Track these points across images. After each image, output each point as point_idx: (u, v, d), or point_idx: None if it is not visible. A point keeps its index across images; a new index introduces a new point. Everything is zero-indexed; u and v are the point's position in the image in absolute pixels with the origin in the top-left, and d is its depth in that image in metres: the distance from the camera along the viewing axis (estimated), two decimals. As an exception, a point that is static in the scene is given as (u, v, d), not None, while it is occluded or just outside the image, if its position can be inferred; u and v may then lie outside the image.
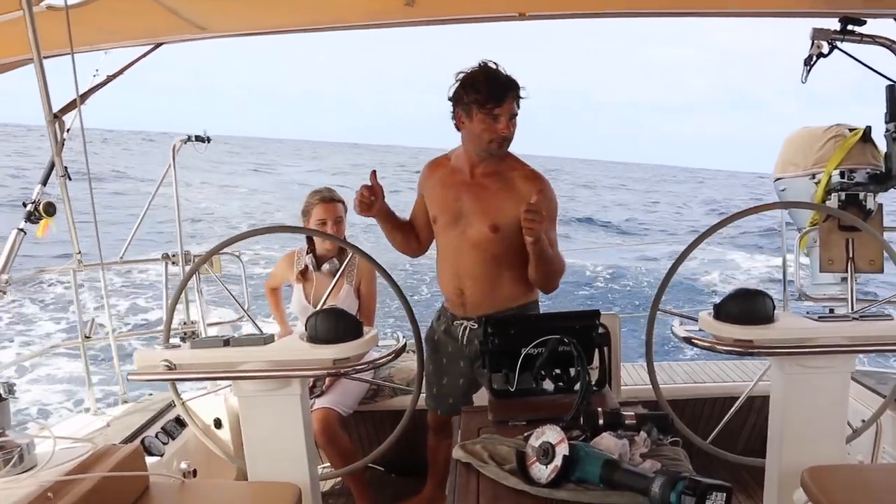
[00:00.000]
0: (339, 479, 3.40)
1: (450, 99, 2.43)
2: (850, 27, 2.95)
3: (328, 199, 3.21)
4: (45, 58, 2.42)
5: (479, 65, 2.39)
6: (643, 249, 17.40)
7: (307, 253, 3.29)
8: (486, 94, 2.32)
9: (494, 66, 2.38)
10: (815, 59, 3.11)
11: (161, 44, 3.08)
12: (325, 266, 3.24)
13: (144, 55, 3.08)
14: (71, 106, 2.72)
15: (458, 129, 2.49)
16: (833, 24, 2.98)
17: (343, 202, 3.26)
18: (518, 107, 2.41)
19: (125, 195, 20.35)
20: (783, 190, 3.47)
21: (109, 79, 3.02)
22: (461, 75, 2.40)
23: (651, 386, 2.53)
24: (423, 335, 2.53)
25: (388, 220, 2.71)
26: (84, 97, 2.79)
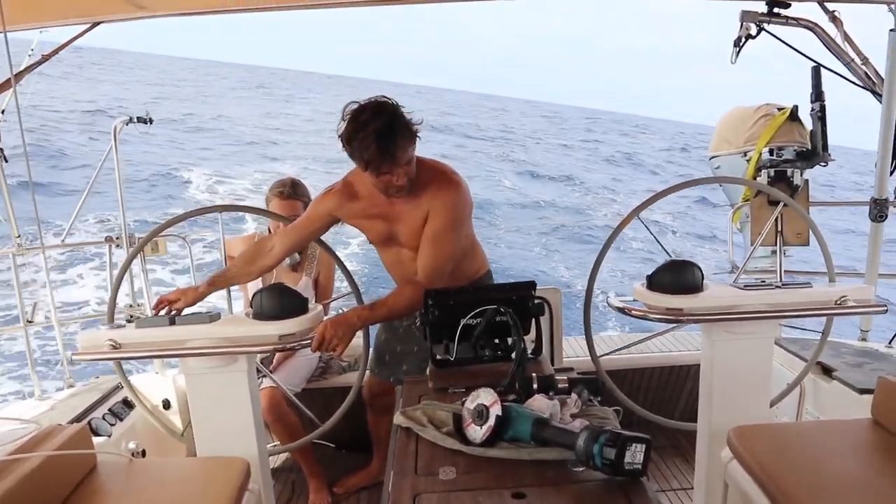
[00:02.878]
0: (289, 455, 3.44)
1: (339, 137, 2.23)
2: (776, 10, 3.08)
3: (287, 194, 3.14)
4: None
5: (364, 115, 2.17)
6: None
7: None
8: (376, 156, 2.16)
9: (380, 112, 2.18)
10: (743, 40, 3.23)
11: (99, 23, 3.03)
12: (286, 260, 3.20)
13: (81, 34, 3.04)
14: (6, 86, 2.68)
15: None
16: (760, 6, 3.11)
17: (304, 200, 3.18)
18: (415, 143, 2.25)
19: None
20: (717, 168, 3.60)
21: (45, 58, 2.97)
22: (349, 111, 2.21)
23: (589, 356, 2.64)
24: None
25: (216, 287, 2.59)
26: (19, 76, 2.74)
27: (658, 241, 2.77)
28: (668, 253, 2.51)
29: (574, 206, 20.76)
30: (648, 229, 2.74)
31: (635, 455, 1.37)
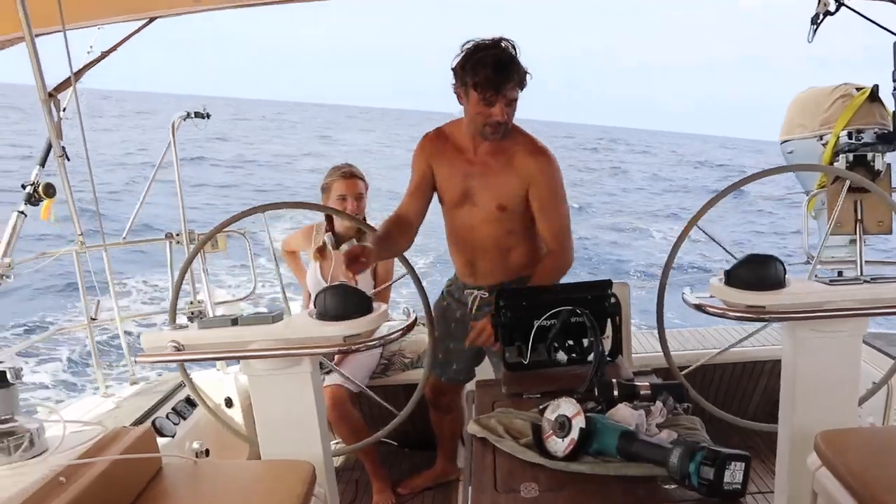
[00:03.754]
0: (352, 454, 3.41)
1: (452, 69, 2.33)
2: (856, -17, 2.90)
3: (349, 174, 3.14)
4: (38, 35, 2.37)
5: (485, 43, 2.27)
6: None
7: (326, 230, 3.24)
8: (485, 79, 2.23)
9: (502, 46, 2.27)
10: (821, 17, 3.05)
11: (155, 17, 3.01)
12: (344, 246, 3.16)
13: (139, 30, 3.02)
14: (66, 84, 2.67)
15: (459, 101, 2.40)
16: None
17: (364, 179, 3.20)
18: (522, 89, 2.32)
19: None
20: (790, 152, 3.43)
21: (104, 55, 2.96)
22: (467, 46, 2.29)
23: (663, 354, 2.52)
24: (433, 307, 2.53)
25: (383, 247, 2.57)
26: (78, 75, 2.73)
27: (721, 246, 2.62)
28: (731, 255, 2.36)
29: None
30: (709, 235, 2.62)
31: (735, 474, 1.27)
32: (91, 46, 3.02)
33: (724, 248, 2.52)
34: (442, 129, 2.58)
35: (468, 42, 2.29)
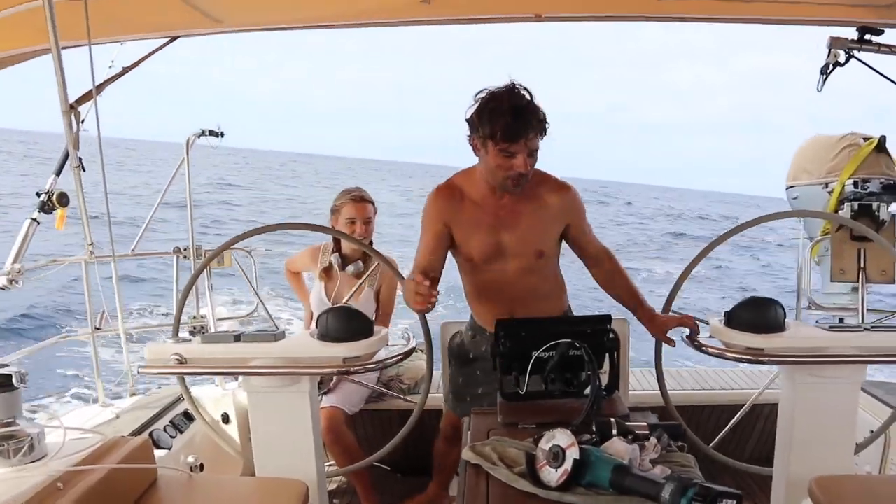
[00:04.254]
0: (344, 477, 3.40)
1: (467, 120, 2.20)
2: (867, 37, 2.94)
3: (359, 198, 3.16)
4: (63, 48, 2.43)
5: (500, 91, 2.14)
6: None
7: (333, 251, 3.27)
8: (504, 129, 2.09)
9: (517, 92, 2.14)
10: (831, 67, 3.10)
11: (177, 37, 3.08)
12: (350, 268, 3.20)
13: (160, 48, 3.08)
14: (87, 97, 2.73)
15: (475, 153, 2.26)
16: (850, 32, 2.97)
17: (373, 203, 3.23)
18: (542, 137, 2.18)
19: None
20: (795, 198, 3.45)
21: (125, 70, 3.02)
22: (481, 96, 2.16)
23: (660, 392, 2.53)
24: (432, 335, 2.53)
25: None
26: (100, 88, 2.79)
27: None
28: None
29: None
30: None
31: (726, 512, 1.28)
32: (112, 61, 3.08)
33: None
34: (453, 183, 2.39)
35: (481, 91, 2.17)
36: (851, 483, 1.94)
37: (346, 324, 2.06)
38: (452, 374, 2.71)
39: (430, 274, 2.31)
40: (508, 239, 2.34)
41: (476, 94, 2.18)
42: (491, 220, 2.32)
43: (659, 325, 2.35)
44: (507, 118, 2.08)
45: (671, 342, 2.33)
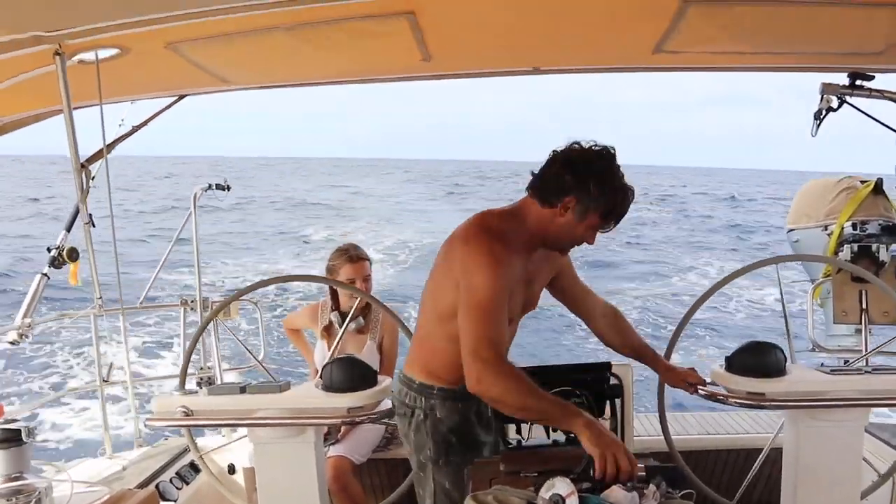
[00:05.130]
0: None
1: (575, 175, 1.98)
2: (858, 82, 3.00)
3: (356, 258, 3.18)
4: (74, 108, 2.51)
5: (621, 173, 2.02)
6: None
7: (332, 310, 3.29)
8: (615, 217, 2.03)
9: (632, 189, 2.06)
10: (824, 112, 3.15)
11: (185, 95, 3.17)
12: (352, 324, 3.18)
13: (169, 106, 3.18)
14: (97, 156, 2.81)
15: (552, 205, 2.03)
16: (842, 78, 3.04)
17: (369, 259, 3.25)
18: None
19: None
20: (796, 241, 3.48)
21: (135, 129, 3.11)
22: (599, 152, 2.01)
23: (663, 438, 2.53)
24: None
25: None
26: (110, 147, 2.87)
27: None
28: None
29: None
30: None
31: (724, 560, 1.28)
32: (122, 120, 3.17)
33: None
34: (502, 229, 2.07)
35: (601, 156, 2.01)
36: None
37: (350, 374, 2.09)
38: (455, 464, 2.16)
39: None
40: (535, 292, 2.23)
41: (589, 149, 2.02)
42: (526, 274, 2.13)
43: (675, 378, 2.33)
44: (626, 203, 2.03)
45: (692, 390, 2.30)
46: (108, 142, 2.80)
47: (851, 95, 3.05)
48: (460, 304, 1.95)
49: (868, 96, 3.02)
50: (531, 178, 2.07)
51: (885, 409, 3.13)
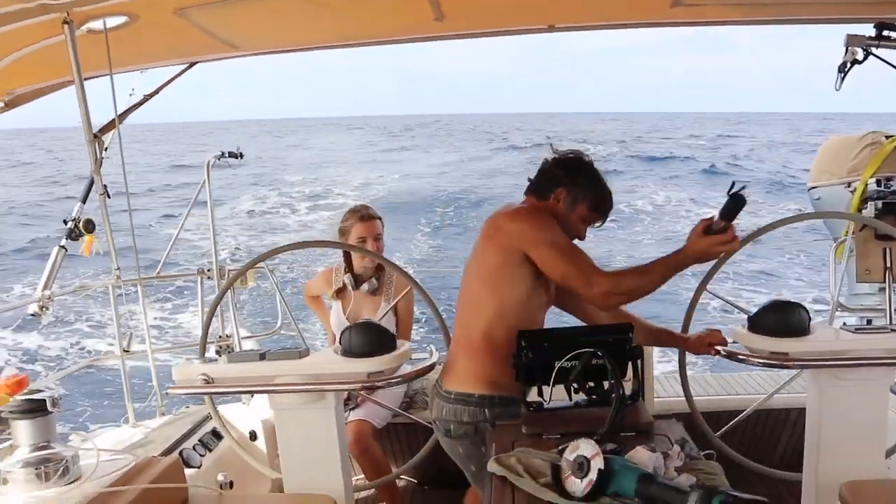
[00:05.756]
0: (373, 490, 3.42)
1: (560, 169, 2.30)
2: (885, 32, 2.91)
3: (367, 217, 3.20)
4: (85, 79, 2.49)
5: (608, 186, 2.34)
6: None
7: (345, 272, 3.30)
8: (604, 208, 2.32)
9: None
10: (849, 65, 3.07)
11: (195, 62, 3.14)
12: (364, 285, 3.23)
13: (179, 74, 3.15)
14: (110, 126, 2.79)
15: (550, 194, 2.28)
16: (868, 29, 2.95)
17: (381, 218, 3.26)
18: None
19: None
20: (818, 199, 3.43)
21: (146, 98, 3.09)
22: (576, 153, 2.36)
23: (685, 399, 2.52)
24: None
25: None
26: (122, 117, 2.86)
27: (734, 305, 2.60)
28: (744, 310, 2.35)
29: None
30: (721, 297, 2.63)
31: (752, 520, 1.27)
32: (133, 89, 3.15)
33: (736, 307, 2.51)
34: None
35: (585, 156, 2.35)
36: (882, 488, 1.91)
37: (369, 339, 2.08)
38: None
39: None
40: (550, 288, 2.37)
41: (577, 157, 2.35)
42: None
43: (697, 344, 2.38)
44: (611, 205, 2.34)
45: (714, 352, 2.33)
46: (119, 111, 2.79)
47: (878, 47, 2.96)
48: (548, 262, 2.14)
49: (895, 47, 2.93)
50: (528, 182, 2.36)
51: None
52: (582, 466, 1.48)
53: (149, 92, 3.08)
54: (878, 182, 3.10)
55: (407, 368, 2.23)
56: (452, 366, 2.30)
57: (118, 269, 3.07)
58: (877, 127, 3.42)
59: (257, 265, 2.82)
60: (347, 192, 24.81)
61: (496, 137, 54.26)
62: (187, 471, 2.74)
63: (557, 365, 1.91)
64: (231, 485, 2.94)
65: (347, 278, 3.24)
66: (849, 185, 3.22)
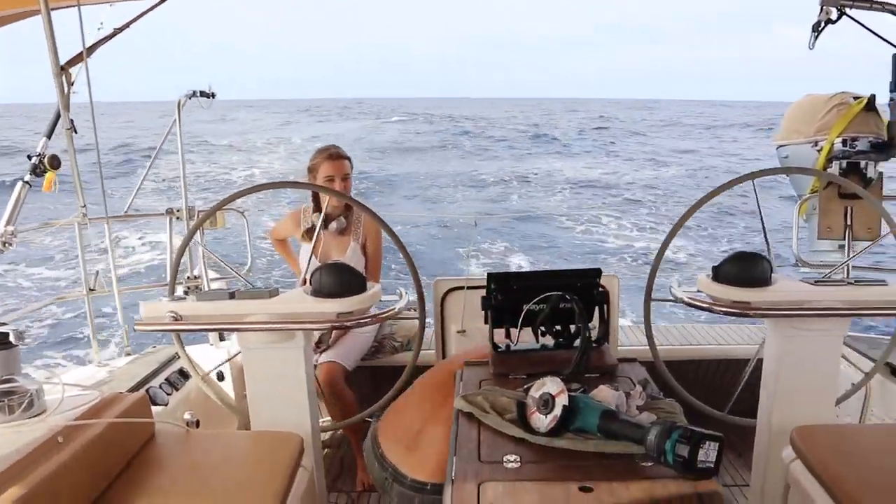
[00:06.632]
0: (340, 430, 3.46)
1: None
2: (860, -8, 2.93)
3: (336, 155, 3.19)
4: (53, 9, 2.41)
5: None
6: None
7: (313, 212, 3.29)
8: None
9: None
10: (823, 24, 3.09)
11: (165, -1, 3.04)
12: (333, 224, 3.24)
13: (151, 8, 3.05)
14: (77, 59, 2.71)
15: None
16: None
17: (349, 159, 3.24)
18: None
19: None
20: (785, 157, 3.47)
21: (116, 32, 2.98)
22: None
23: (648, 346, 2.58)
24: (424, 292, 2.55)
25: None
26: (90, 50, 2.77)
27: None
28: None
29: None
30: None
31: (708, 453, 1.32)
32: (102, 23, 3.05)
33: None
34: None
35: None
36: (831, 433, 1.99)
37: (339, 280, 2.08)
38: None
39: None
40: None
41: None
42: None
43: None
44: None
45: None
46: (87, 45, 2.70)
47: (852, 7, 2.98)
48: None
49: (869, 8, 2.95)
50: None
51: (864, 322, 3.19)
52: (547, 403, 1.51)
53: (119, 26, 2.99)
54: (844, 142, 3.14)
55: (376, 310, 2.24)
56: None
57: (84, 206, 3.01)
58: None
59: (227, 206, 2.79)
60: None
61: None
62: (154, 408, 2.74)
63: (526, 308, 1.94)
64: (198, 423, 2.96)
65: (316, 217, 3.23)
66: (816, 144, 3.26)
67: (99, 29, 3.01)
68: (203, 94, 3.42)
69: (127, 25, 2.99)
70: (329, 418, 3.12)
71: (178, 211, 3.37)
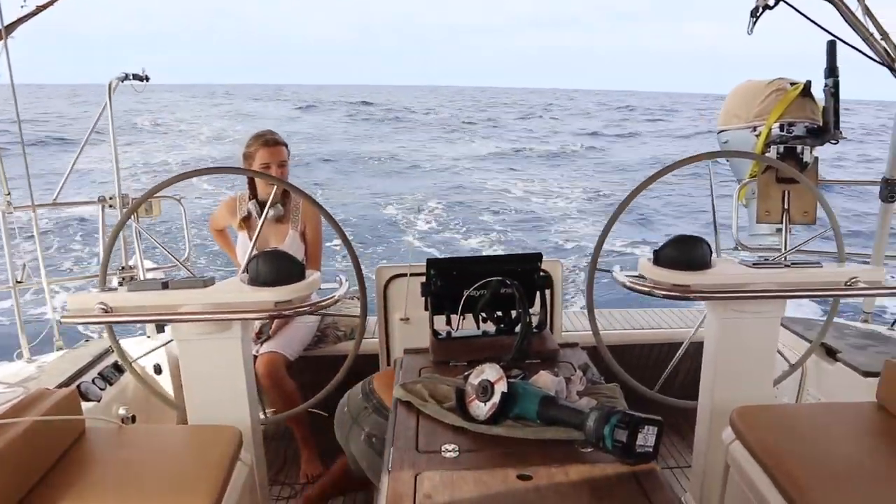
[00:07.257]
0: (283, 422, 3.40)
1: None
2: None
3: (272, 142, 3.11)
4: None
5: None
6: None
7: (249, 199, 3.20)
8: None
9: None
10: (760, 10, 3.13)
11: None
12: (270, 212, 3.16)
13: None
14: (-5, 37, 2.58)
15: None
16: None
17: (286, 145, 3.16)
18: None
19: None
20: (725, 142, 3.52)
21: (39, 9, 2.85)
22: None
23: (591, 331, 2.58)
24: (366, 280, 2.51)
25: None
26: (10, 28, 2.64)
27: None
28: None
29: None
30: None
31: (647, 438, 1.32)
32: (25, 1, 2.90)
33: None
34: None
35: None
36: (769, 412, 2.03)
37: (276, 267, 2.02)
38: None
39: None
40: None
41: None
42: None
43: None
44: None
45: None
46: (6, 22, 2.57)
47: (790, -8, 3.02)
48: None
49: (805, -6, 3.00)
50: None
51: (797, 303, 3.26)
52: (486, 390, 1.49)
53: (42, 3, 2.85)
54: (781, 127, 3.20)
55: (316, 298, 2.19)
56: None
57: (9, 194, 2.88)
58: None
59: (160, 193, 2.68)
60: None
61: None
62: (86, 405, 2.64)
63: (466, 293, 1.92)
64: (133, 419, 2.86)
65: (252, 205, 3.15)
66: (754, 129, 3.31)
67: (22, 7, 2.87)
68: (136, 76, 3.29)
69: (52, 2, 2.85)
70: (272, 409, 3.06)
71: (111, 199, 3.24)
